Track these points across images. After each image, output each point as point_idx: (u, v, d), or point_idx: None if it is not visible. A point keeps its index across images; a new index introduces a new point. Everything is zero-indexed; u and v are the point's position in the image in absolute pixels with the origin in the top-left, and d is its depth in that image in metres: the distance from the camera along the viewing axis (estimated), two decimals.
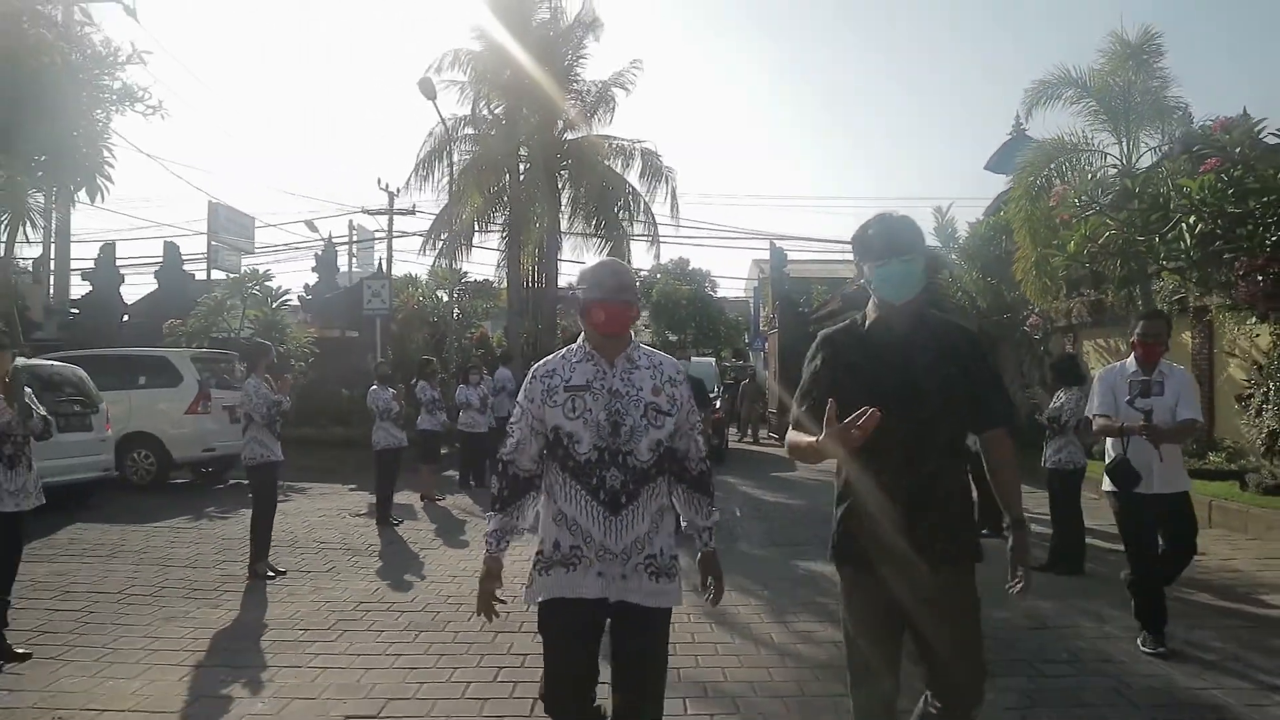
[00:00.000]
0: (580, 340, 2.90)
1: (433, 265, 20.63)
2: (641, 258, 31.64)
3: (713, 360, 25.66)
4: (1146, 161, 11.79)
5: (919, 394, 2.64)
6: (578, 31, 19.90)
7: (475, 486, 12.80)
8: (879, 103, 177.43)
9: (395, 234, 29.41)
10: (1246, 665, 4.83)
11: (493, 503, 2.89)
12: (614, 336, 2.80)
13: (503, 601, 2.88)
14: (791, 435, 2.85)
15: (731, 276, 58.93)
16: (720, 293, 42.64)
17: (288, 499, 11.26)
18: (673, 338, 39.91)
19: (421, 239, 22.60)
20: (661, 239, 22.80)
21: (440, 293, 19.65)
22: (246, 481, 7.86)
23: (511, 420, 2.89)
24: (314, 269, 25.51)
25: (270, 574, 7.15)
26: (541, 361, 2.94)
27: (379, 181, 49.04)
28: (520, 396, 2.88)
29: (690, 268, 42.15)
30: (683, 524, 3.01)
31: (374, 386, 10.14)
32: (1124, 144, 11.92)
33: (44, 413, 5.39)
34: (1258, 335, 9.00)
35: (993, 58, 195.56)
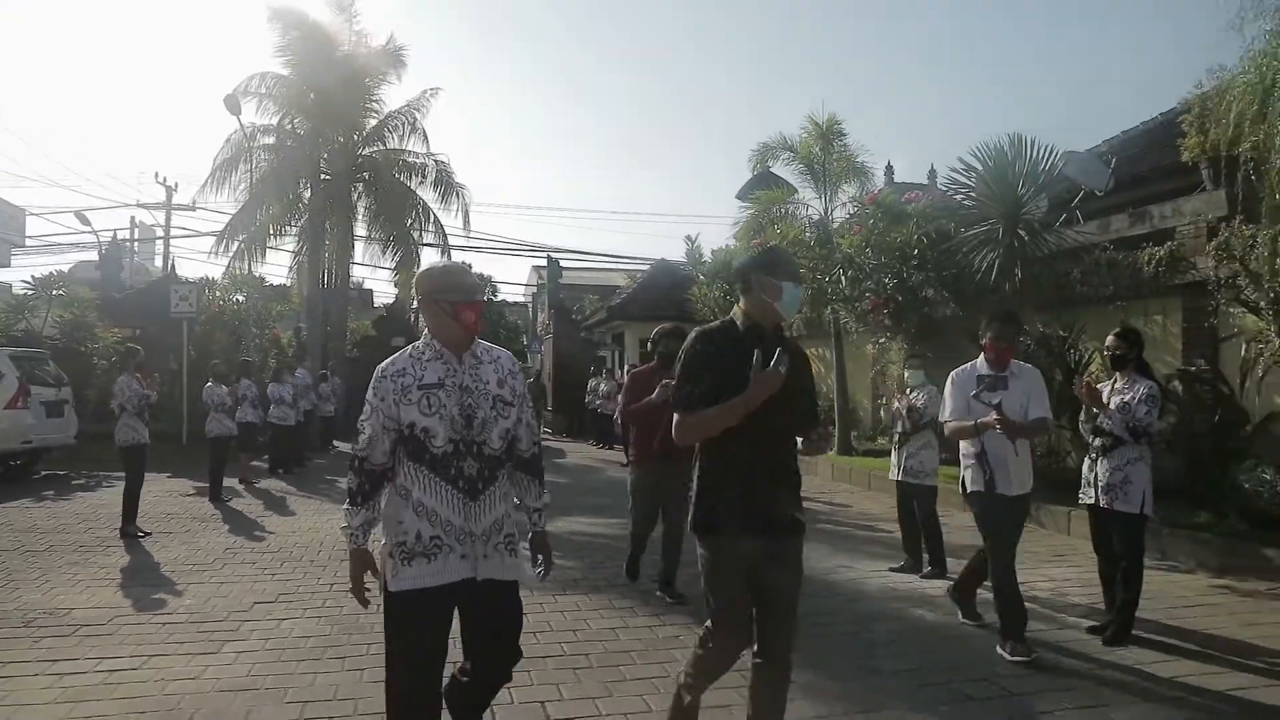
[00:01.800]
0: (426, 339, 3.07)
1: (228, 267, 21.64)
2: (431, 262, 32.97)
3: None
4: (843, 213, 15.22)
5: (780, 391, 3.03)
6: (381, 62, 21.56)
7: (284, 473, 14.53)
8: (663, 124, 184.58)
9: (179, 232, 29.53)
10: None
11: (352, 498, 3.03)
12: (473, 335, 3.06)
13: (370, 590, 3.12)
14: (697, 415, 3.16)
15: (513, 282, 61.07)
16: (501, 296, 44.90)
17: (112, 486, 12.60)
18: None
19: (201, 236, 23.34)
20: (452, 247, 24.84)
21: (239, 296, 20.76)
22: (60, 473, 9.23)
23: (361, 418, 3.03)
24: (97, 266, 25.56)
25: (140, 534, 8.86)
26: (388, 361, 3.07)
27: (156, 175, 47.47)
28: (370, 395, 3.01)
29: (473, 272, 44.10)
30: (515, 503, 3.20)
31: (209, 383, 11.85)
32: (824, 199, 15.32)
33: None
34: (889, 352, 12.35)
35: (765, 92, 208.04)
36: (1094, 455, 5.68)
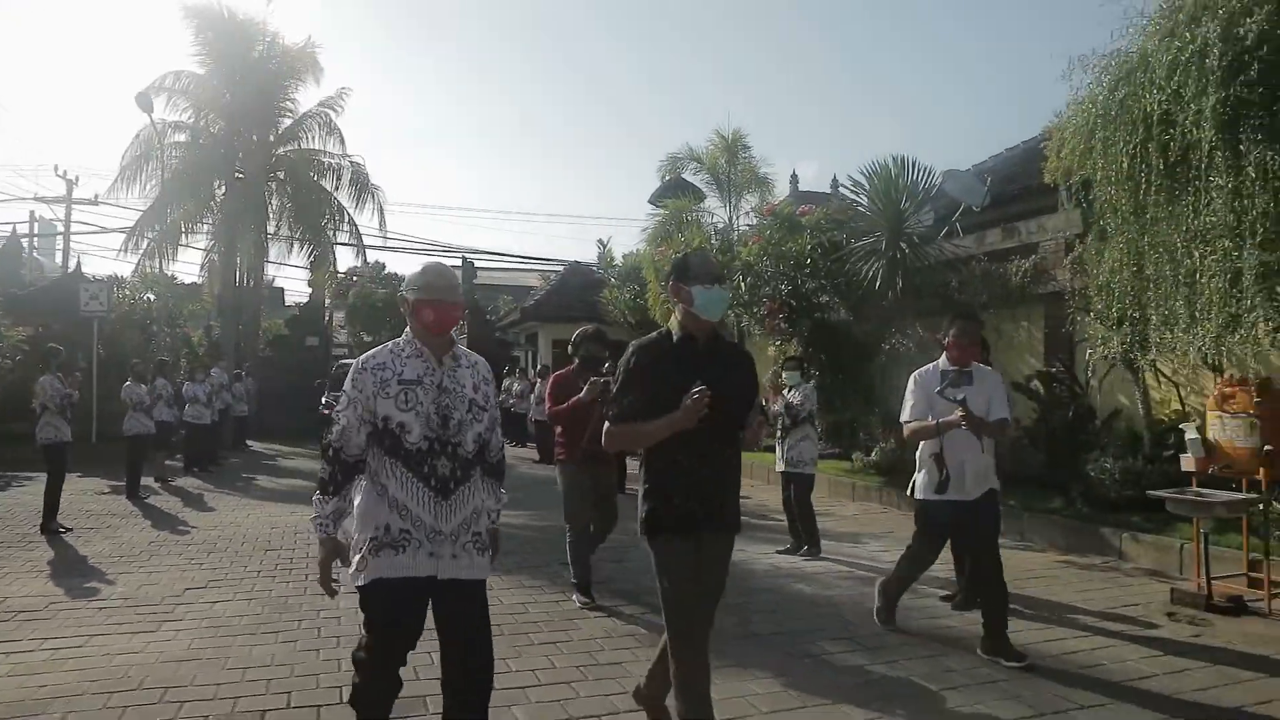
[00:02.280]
0: (407, 336, 3.13)
1: (138, 265, 21.44)
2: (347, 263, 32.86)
3: None
4: (747, 221, 16.03)
5: (717, 396, 3.11)
6: (298, 62, 21.68)
7: (199, 471, 14.67)
8: (582, 125, 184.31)
9: (81, 228, 28.91)
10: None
11: (324, 487, 3.06)
12: (442, 335, 3.12)
13: (336, 581, 3.24)
14: (625, 426, 3.31)
15: None
16: None
17: (22, 485, 12.66)
18: (368, 338, 41.56)
19: (108, 233, 23.03)
20: (367, 246, 25.05)
21: (149, 294, 20.62)
22: None
23: (338, 409, 3.08)
24: None
25: (61, 529, 9.08)
26: (368, 354, 3.14)
27: (56, 169, 45.95)
28: (348, 386, 3.07)
29: (386, 272, 43.90)
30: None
31: (128, 382, 12.03)
32: (728, 208, 16.15)
33: None
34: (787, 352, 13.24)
35: (695, 89, 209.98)
36: None
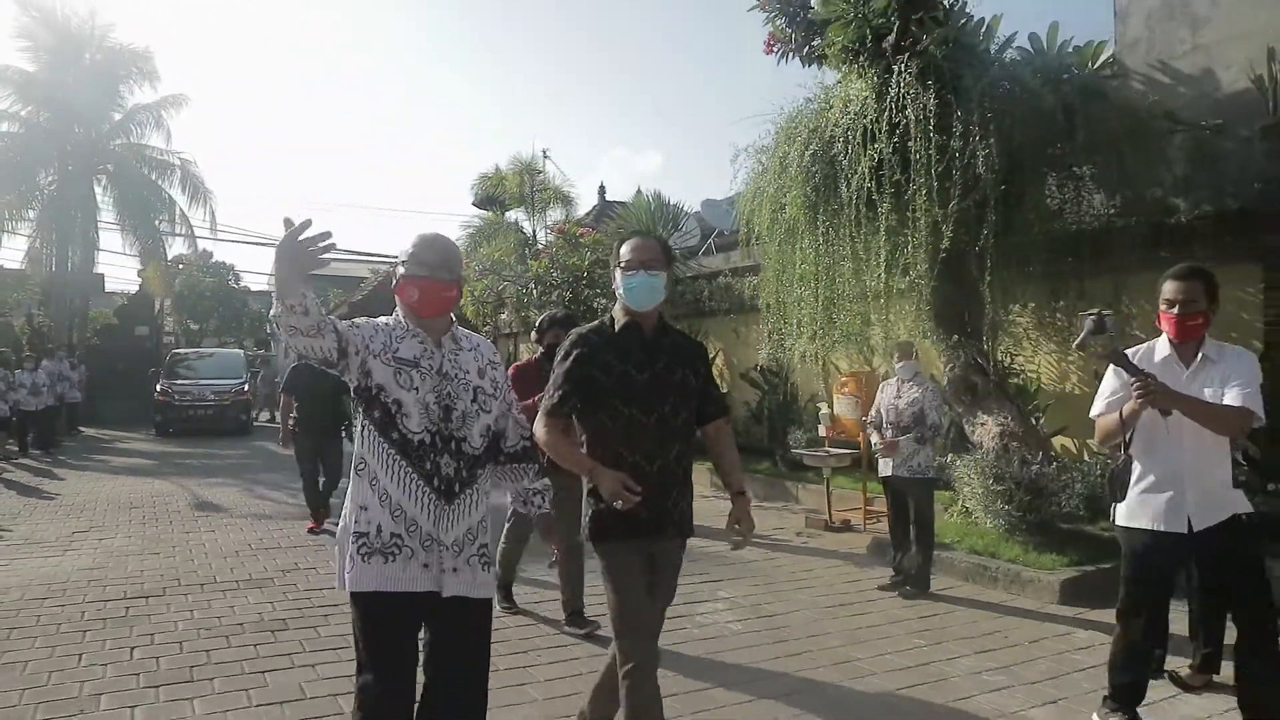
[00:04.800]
0: (398, 315, 2.77)
1: None
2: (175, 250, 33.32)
3: (241, 351, 28.51)
4: (547, 237, 18.48)
5: (663, 389, 3.07)
6: (132, 65, 22.69)
7: (39, 454, 15.94)
8: (411, 115, 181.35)
9: None
10: None
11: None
12: (431, 319, 2.73)
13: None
14: (556, 424, 3.09)
15: (256, 272, 60.48)
16: (245, 283, 45.35)
17: None
18: (195, 326, 41.86)
19: None
20: (198, 238, 26.17)
21: None
22: None
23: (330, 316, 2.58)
24: None
25: None
26: (365, 319, 2.76)
27: None
28: (356, 324, 2.68)
29: (214, 260, 44.07)
30: (509, 497, 3.04)
31: None
32: (531, 221, 18.64)
33: None
34: None
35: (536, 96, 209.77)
36: None
